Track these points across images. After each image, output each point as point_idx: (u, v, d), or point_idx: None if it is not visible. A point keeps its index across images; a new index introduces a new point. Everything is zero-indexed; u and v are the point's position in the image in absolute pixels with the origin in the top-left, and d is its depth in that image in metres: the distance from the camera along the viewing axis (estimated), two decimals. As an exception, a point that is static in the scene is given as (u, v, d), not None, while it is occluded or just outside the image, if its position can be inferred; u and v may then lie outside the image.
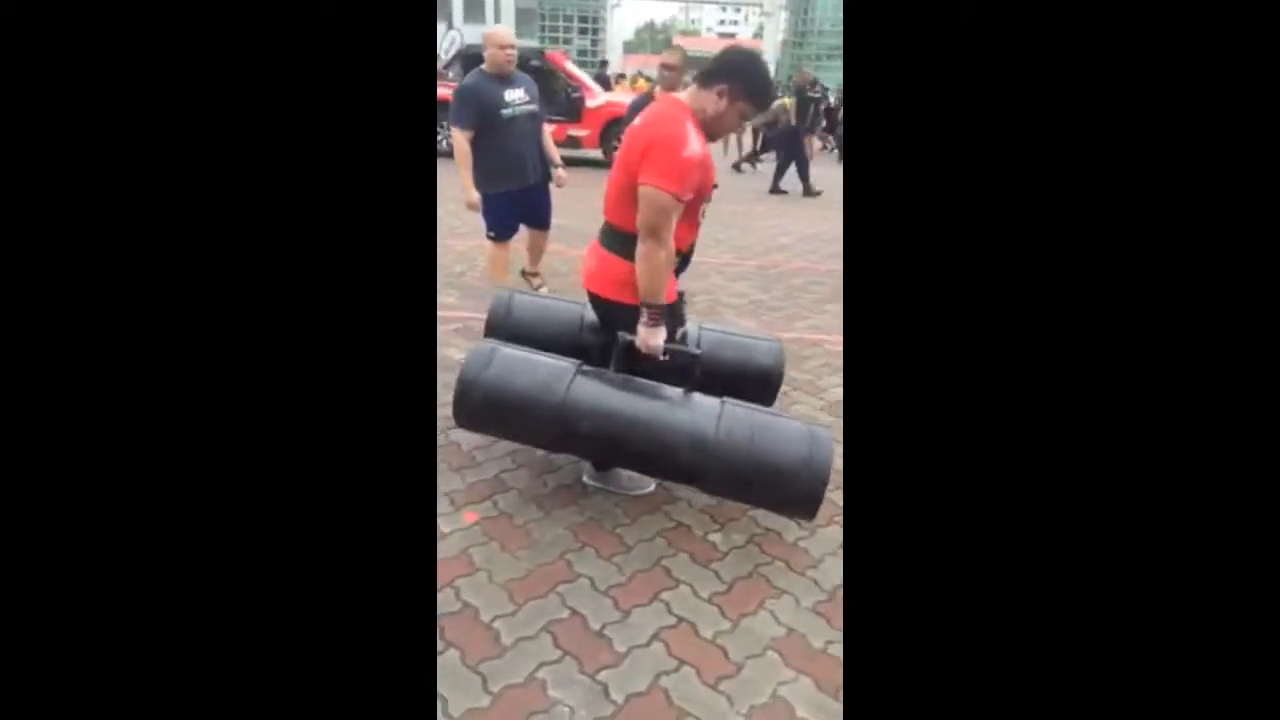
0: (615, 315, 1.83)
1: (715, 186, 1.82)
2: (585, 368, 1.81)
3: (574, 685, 1.38)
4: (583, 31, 46.87)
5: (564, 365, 1.80)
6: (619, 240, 1.75)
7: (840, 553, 1.82)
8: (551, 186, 3.49)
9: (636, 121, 1.74)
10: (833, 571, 1.76)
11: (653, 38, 56.13)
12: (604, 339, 1.89)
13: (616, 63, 36.77)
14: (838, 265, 4.89)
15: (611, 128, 8.66)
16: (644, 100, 3.52)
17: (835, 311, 3.87)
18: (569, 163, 3.98)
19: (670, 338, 1.79)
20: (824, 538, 1.90)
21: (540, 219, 3.46)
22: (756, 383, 2.17)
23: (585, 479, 2.07)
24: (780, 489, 1.69)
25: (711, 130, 1.71)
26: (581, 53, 45.02)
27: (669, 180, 1.59)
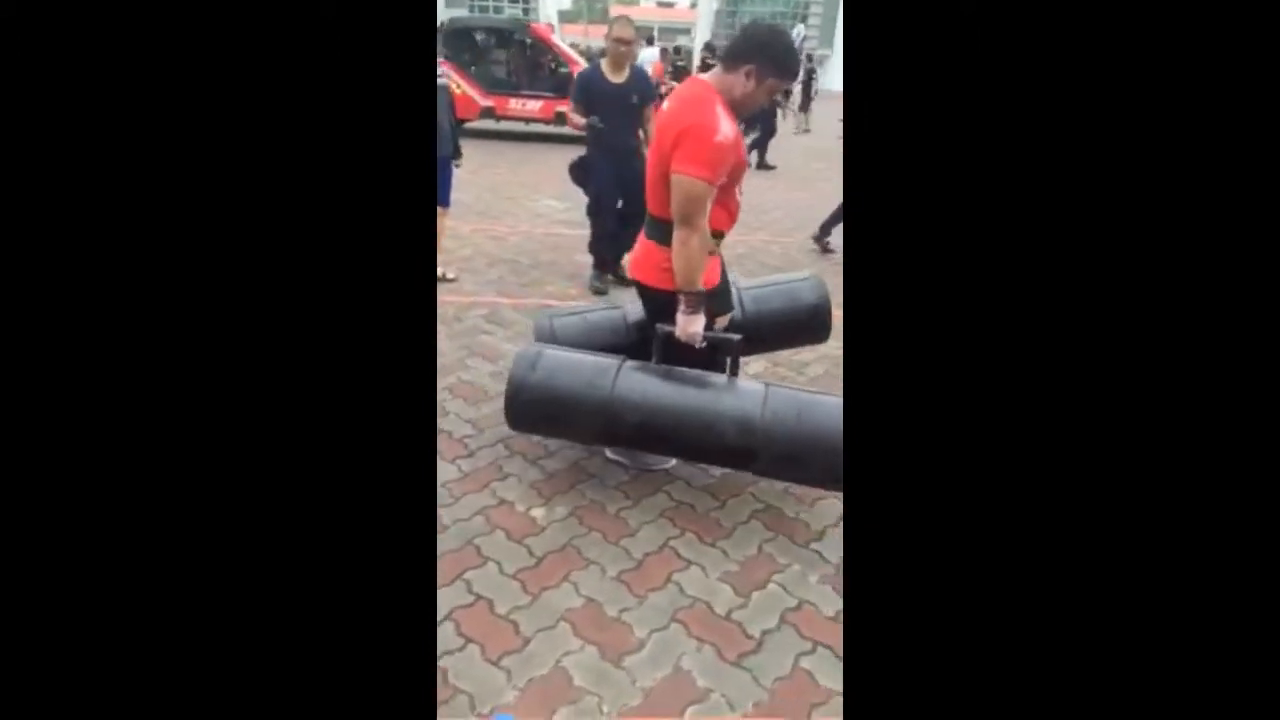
0: (659, 302, 1.83)
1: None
2: (629, 362, 1.84)
3: (598, 673, 1.38)
4: (514, 0, 45.38)
5: (608, 362, 1.85)
6: (659, 229, 1.76)
7: (840, 524, 1.87)
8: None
9: (665, 107, 1.74)
10: (835, 544, 1.80)
11: (590, 6, 54.81)
12: (650, 332, 1.90)
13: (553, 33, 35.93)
14: (776, 235, 4.96)
15: None
16: (593, 72, 3.49)
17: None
18: (553, 140, 3.91)
19: (711, 325, 1.80)
20: (821, 510, 1.94)
21: (441, 195, 3.42)
22: (809, 320, 2.20)
23: (608, 453, 2.11)
24: (832, 464, 1.72)
25: (741, 110, 1.70)
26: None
27: (700, 166, 1.59)
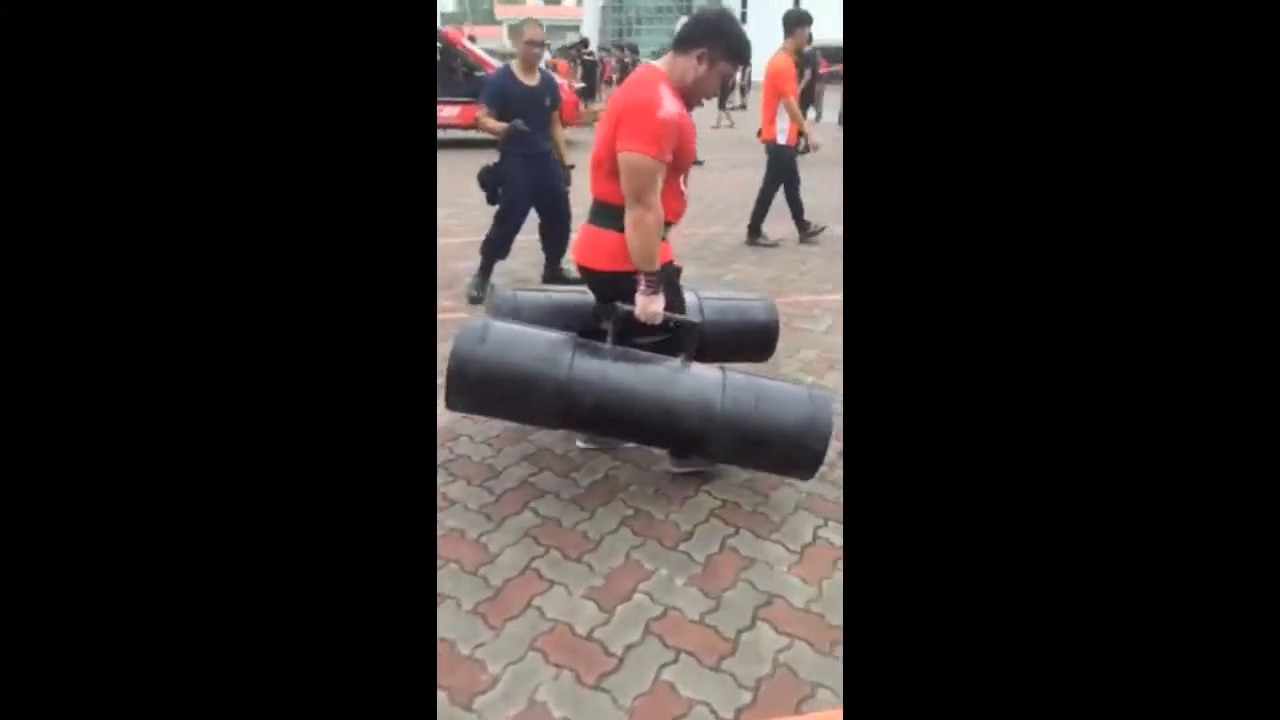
0: (609, 286, 1.80)
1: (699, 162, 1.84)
2: (581, 340, 1.75)
3: (577, 700, 1.32)
4: (395, 2, 43.86)
5: (562, 337, 1.74)
6: (606, 213, 1.74)
7: (800, 511, 1.88)
8: None
9: (613, 94, 1.77)
10: (796, 532, 1.80)
11: (474, 7, 53.56)
12: (604, 318, 1.85)
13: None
14: (712, 227, 5.01)
15: None
16: (505, 75, 3.38)
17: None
18: (465, 145, 3.74)
19: (668, 307, 1.78)
20: (778, 501, 1.94)
21: None
22: (759, 339, 2.30)
23: (579, 443, 2.14)
24: (787, 449, 1.75)
25: (693, 96, 1.70)
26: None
27: (646, 143, 1.58)
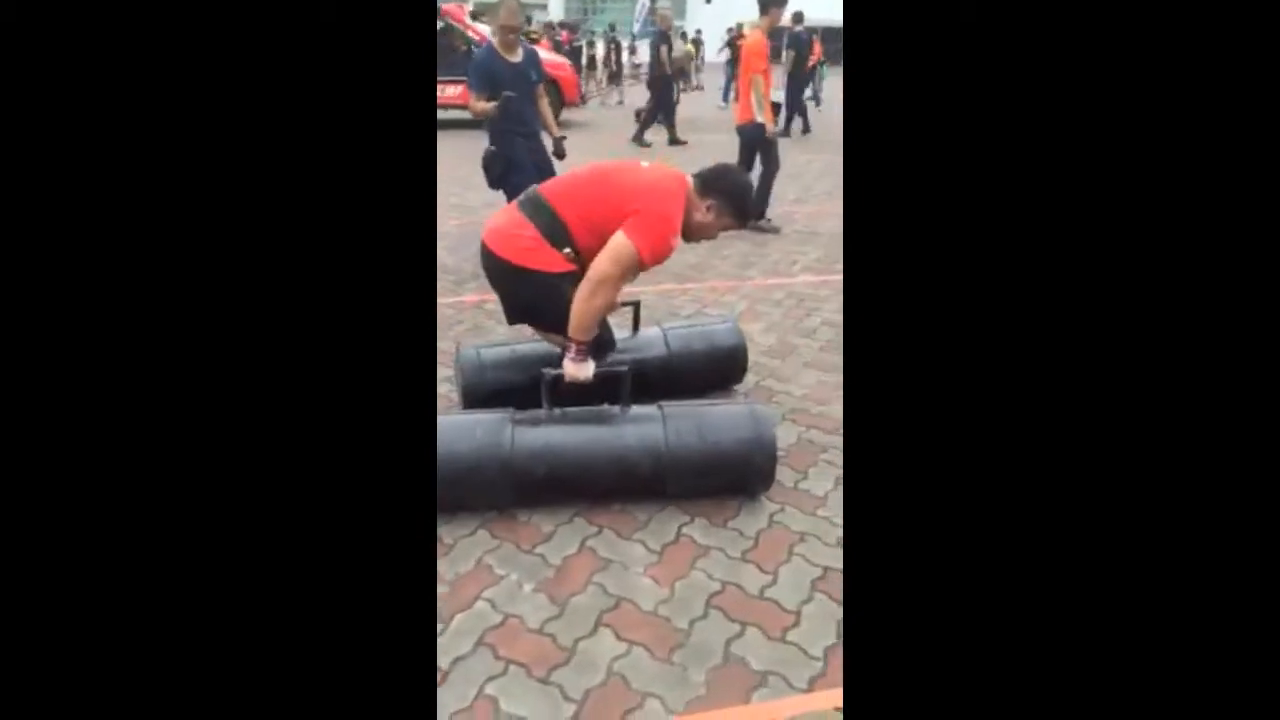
0: (515, 279, 1.84)
1: None
2: (518, 415, 1.76)
3: (527, 694, 1.31)
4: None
5: (499, 416, 1.75)
6: (549, 218, 1.80)
7: (759, 502, 1.87)
8: None
9: (650, 173, 1.85)
10: (752, 519, 1.80)
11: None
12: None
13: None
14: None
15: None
16: (489, 54, 3.30)
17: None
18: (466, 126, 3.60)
19: (598, 350, 1.85)
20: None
21: None
22: (727, 363, 2.31)
23: None
24: (738, 472, 1.77)
25: (690, 233, 1.88)
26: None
27: (647, 248, 1.72)
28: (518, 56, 3.30)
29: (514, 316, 2.01)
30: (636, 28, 19.60)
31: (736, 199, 1.86)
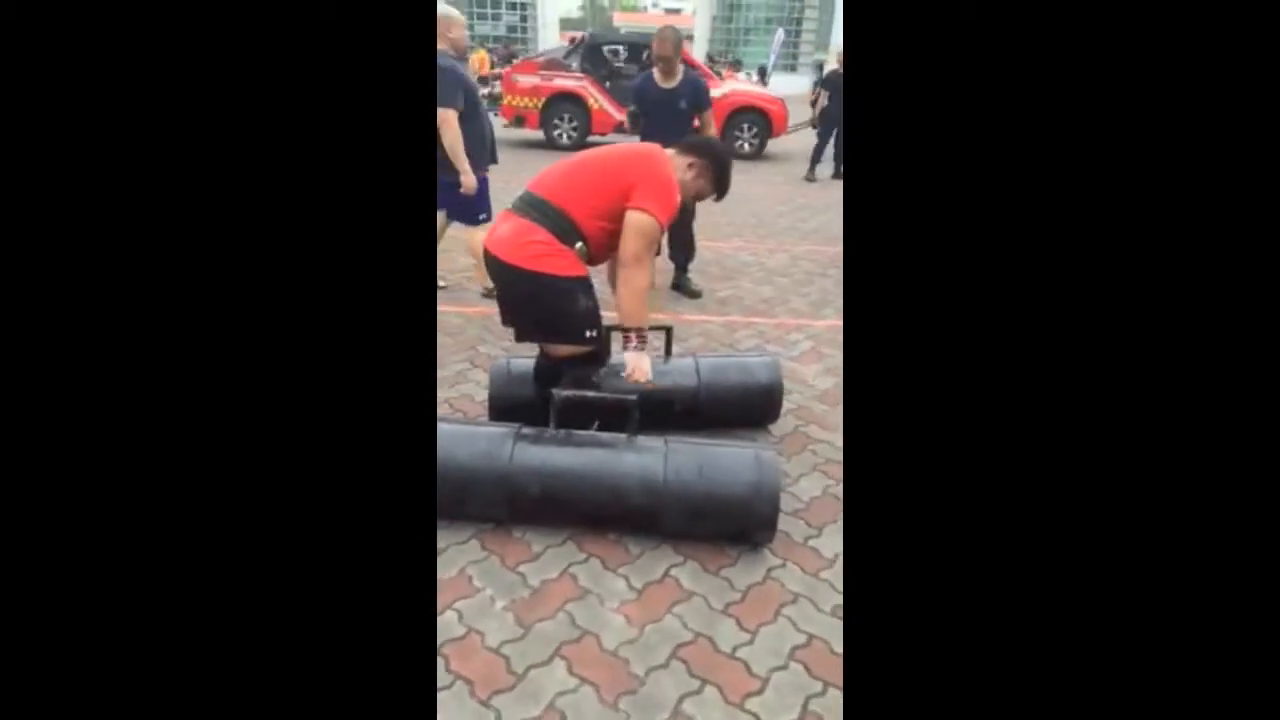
0: (524, 286, 1.82)
1: None
2: (524, 430, 1.78)
3: (463, 713, 1.29)
4: (511, 6, 45.03)
5: (503, 430, 1.78)
6: (552, 215, 1.81)
7: (760, 554, 1.76)
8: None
9: (622, 147, 1.94)
10: (747, 571, 1.70)
11: (595, 16, 54.56)
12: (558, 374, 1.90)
13: (553, 39, 35.84)
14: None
15: (738, 116, 8.50)
16: (646, 79, 3.47)
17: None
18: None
19: (591, 373, 1.90)
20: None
21: (480, 206, 3.30)
22: (761, 400, 2.22)
23: None
24: (737, 518, 1.69)
25: (688, 196, 1.97)
26: (511, 29, 43.49)
27: (662, 213, 1.79)
28: (672, 83, 3.40)
29: (524, 332, 1.98)
30: (772, 59, 19.59)
31: (718, 163, 1.96)
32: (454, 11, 3.16)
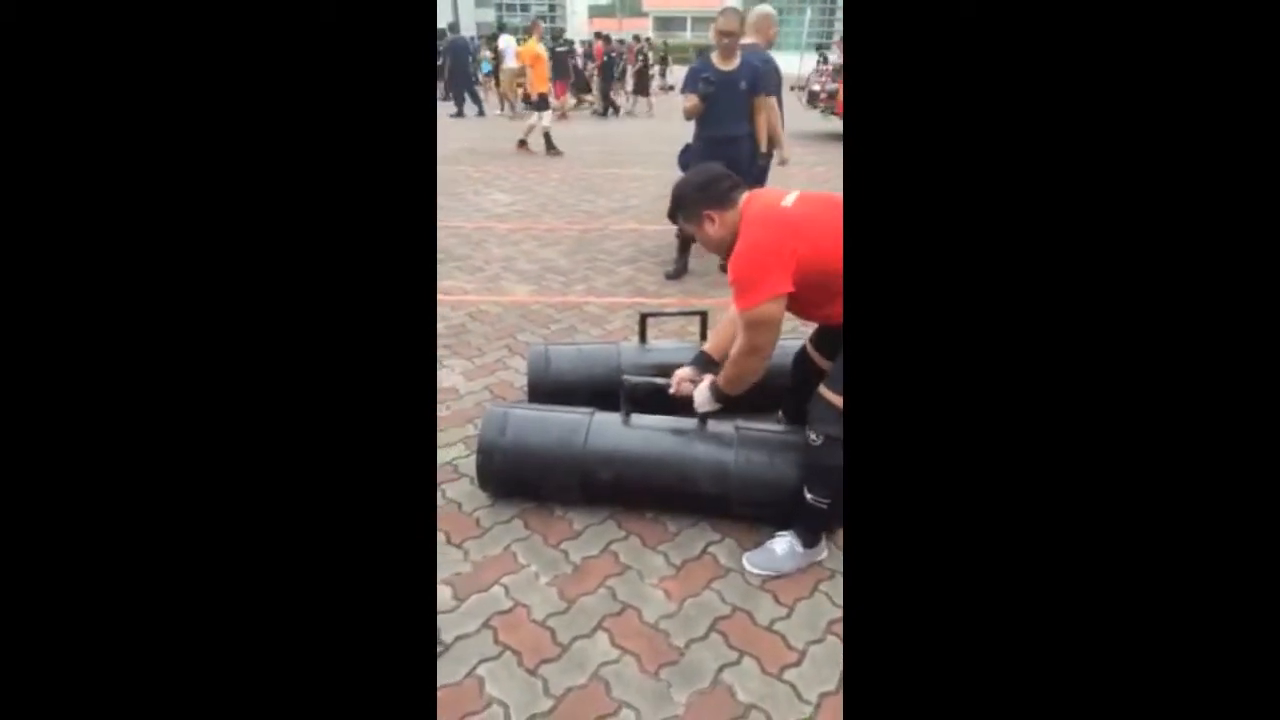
0: None
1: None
2: (600, 416, 1.84)
3: (512, 682, 1.35)
4: (542, -2, 45.03)
5: (577, 417, 1.84)
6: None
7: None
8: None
9: None
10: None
11: (625, 2, 54.00)
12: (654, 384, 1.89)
13: (581, 28, 35.70)
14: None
15: None
16: (703, 62, 3.49)
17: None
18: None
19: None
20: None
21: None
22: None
23: (747, 566, 1.69)
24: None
25: (721, 250, 1.66)
26: (540, 19, 43.44)
27: (748, 296, 1.52)
28: (731, 65, 3.39)
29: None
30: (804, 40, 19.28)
31: (693, 196, 1.66)
32: (772, 10, 3.54)
